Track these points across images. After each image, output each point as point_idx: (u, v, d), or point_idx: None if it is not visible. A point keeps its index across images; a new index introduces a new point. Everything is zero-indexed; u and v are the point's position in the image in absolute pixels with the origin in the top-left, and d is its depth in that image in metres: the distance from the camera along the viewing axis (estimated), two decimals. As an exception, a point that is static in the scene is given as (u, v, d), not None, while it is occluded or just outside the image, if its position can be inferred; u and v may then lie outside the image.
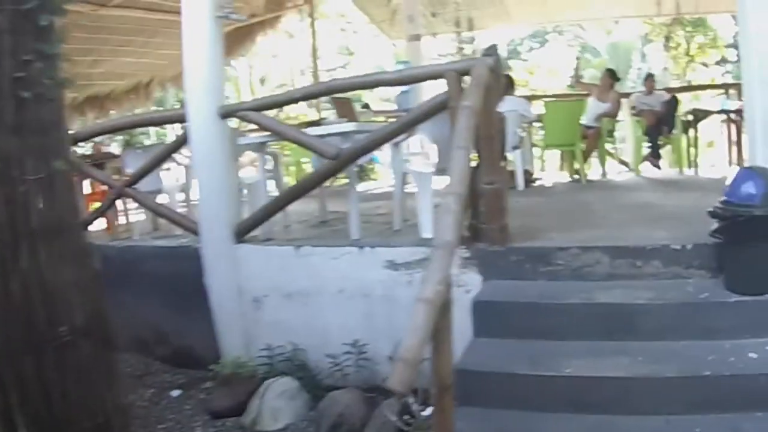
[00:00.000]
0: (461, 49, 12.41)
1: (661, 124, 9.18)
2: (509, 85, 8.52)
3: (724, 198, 3.70)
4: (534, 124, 9.26)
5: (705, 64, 14.69)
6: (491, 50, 4.43)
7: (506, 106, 7.77)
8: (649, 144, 9.43)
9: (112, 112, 13.60)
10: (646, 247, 4.08)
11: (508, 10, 12.96)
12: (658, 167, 9.39)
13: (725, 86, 11.35)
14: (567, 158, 9.44)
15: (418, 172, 5.09)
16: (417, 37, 11.26)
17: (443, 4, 12.44)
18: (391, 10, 12.38)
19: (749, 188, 3.63)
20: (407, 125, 4.86)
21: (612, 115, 9.27)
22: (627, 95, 10.38)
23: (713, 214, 3.71)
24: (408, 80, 5.40)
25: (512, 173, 8.07)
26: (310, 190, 5.30)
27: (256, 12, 12.75)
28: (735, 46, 22.07)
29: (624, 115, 10.15)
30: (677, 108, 9.32)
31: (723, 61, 15.04)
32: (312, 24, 13.77)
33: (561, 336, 3.76)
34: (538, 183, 8.87)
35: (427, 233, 4.65)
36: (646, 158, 9.54)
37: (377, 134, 4.95)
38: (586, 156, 8.97)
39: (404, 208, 5.48)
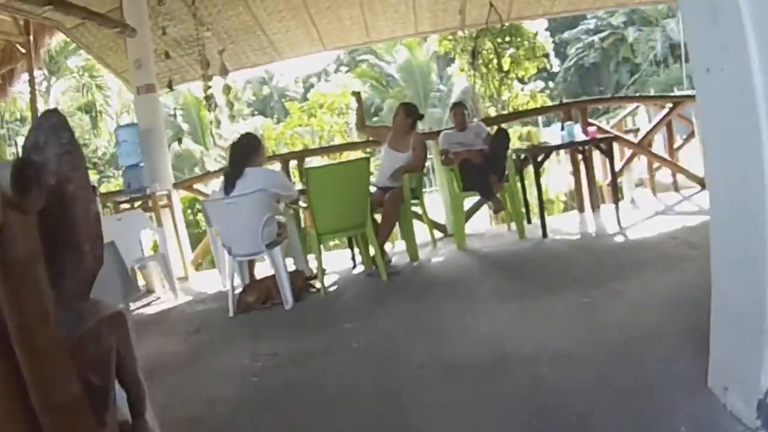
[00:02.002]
0: (209, 99, 9.17)
1: (487, 170, 6.40)
2: (252, 150, 5.47)
3: None
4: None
5: (522, 80, 12.08)
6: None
7: (249, 183, 5.24)
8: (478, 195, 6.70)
9: None
10: None
11: (271, 41, 10.00)
12: (502, 208, 6.61)
13: (563, 107, 8.63)
14: (360, 243, 6.39)
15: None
16: (150, 88, 8.02)
17: (187, 40, 9.27)
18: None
19: None
20: None
21: (416, 168, 6.43)
22: (434, 135, 7.55)
23: None
24: None
25: (275, 283, 5.40)
26: None
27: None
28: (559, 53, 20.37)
29: (434, 162, 7.35)
30: (508, 145, 6.58)
31: (546, 73, 12.73)
32: (31, 81, 10.58)
33: None
34: (321, 286, 5.76)
35: None
36: (486, 201, 6.84)
37: None
38: (384, 234, 6.08)
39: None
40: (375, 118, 32.19)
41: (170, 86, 8.84)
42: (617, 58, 33.24)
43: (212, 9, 8.99)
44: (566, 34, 31.34)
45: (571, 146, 6.90)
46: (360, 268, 6.46)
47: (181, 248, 8.01)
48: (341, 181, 5.53)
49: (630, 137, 8.44)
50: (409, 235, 6.41)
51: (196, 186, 8.79)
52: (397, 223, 6.27)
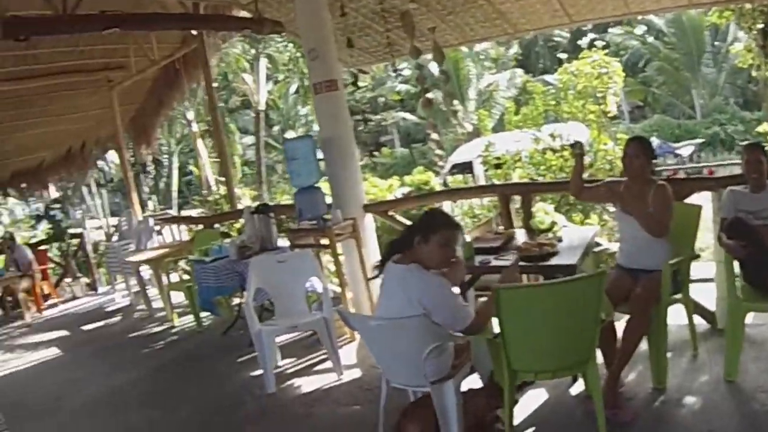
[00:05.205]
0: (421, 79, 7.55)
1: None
2: (428, 227, 3.61)
3: None
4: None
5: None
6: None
7: (396, 289, 3.54)
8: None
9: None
10: None
11: (500, 11, 7.83)
12: None
13: None
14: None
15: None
16: (331, 85, 6.36)
17: (390, 11, 7.56)
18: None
19: None
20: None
21: (652, 231, 4.29)
22: (708, 184, 5.12)
23: None
24: None
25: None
26: None
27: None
28: None
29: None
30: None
31: None
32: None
33: None
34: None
35: None
36: None
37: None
38: (626, 353, 4.06)
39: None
40: (640, 76, 28.43)
41: (355, 82, 7.24)
42: None
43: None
44: None
45: None
46: (580, 384, 4.40)
47: (369, 290, 6.37)
48: (554, 307, 3.46)
49: None
50: (659, 352, 4.22)
51: (392, 213, 6.98)
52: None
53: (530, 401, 4.33)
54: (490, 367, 3.86)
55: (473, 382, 3.92)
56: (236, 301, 7.29)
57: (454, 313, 3.49)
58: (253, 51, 23.80)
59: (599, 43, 12.96)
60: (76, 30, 7.13)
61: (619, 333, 4.10)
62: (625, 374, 4.23)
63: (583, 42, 19.19)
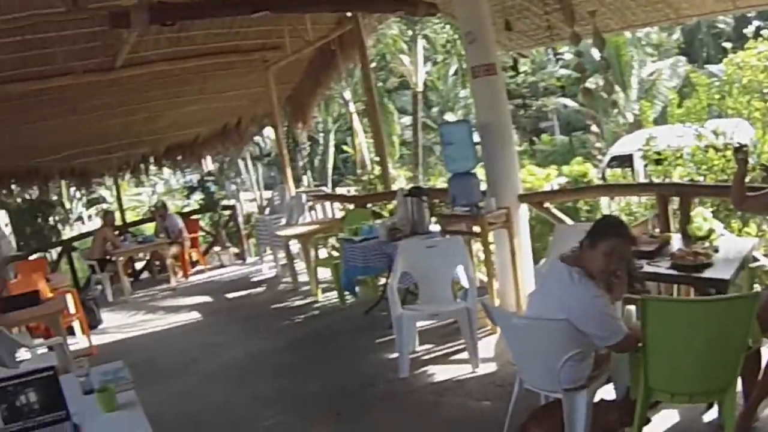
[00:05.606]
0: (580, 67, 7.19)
1: None
2: (610, 233, 3.56)
3: None
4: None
5: None
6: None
7: (555, 292, 3.50)
8: None
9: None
10: None
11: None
12: None
13: None
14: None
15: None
16: (489, 69, 6.22)
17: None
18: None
19: None
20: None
21: None
22: None
23: None
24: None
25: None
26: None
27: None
28: None
29: None
30: None
31: None
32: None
33: None
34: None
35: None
36: None
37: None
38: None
39: None
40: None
41: (515, 66, 7.04)
42: None
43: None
44: None
45: None
46: (714, 411, 3.98)
47: (517, 282, 6.23)
48: (701, 326, 3.20)
49: None
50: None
51: (547, 204, 6.74)
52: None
53: (661, 422, 4.02)
54: (628, 382, 3.66)
55: (606, 391, 3.76)
56: (382, 281, 7.31)
57: (604, 328, 3.34)
58: (410, 32, 23.78)
59: (765, 33, 12.00)
60: (223, 14, 7.27)
61: (764, 362, 3.74)
62: (761, 408, 3.84)
63: (748, 30, 17.78)
